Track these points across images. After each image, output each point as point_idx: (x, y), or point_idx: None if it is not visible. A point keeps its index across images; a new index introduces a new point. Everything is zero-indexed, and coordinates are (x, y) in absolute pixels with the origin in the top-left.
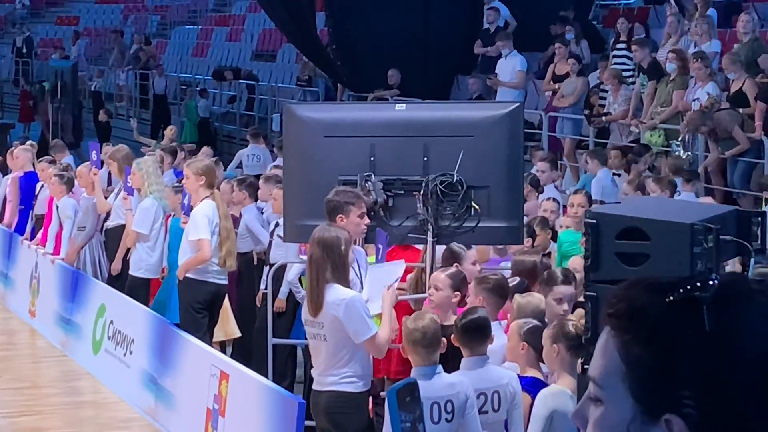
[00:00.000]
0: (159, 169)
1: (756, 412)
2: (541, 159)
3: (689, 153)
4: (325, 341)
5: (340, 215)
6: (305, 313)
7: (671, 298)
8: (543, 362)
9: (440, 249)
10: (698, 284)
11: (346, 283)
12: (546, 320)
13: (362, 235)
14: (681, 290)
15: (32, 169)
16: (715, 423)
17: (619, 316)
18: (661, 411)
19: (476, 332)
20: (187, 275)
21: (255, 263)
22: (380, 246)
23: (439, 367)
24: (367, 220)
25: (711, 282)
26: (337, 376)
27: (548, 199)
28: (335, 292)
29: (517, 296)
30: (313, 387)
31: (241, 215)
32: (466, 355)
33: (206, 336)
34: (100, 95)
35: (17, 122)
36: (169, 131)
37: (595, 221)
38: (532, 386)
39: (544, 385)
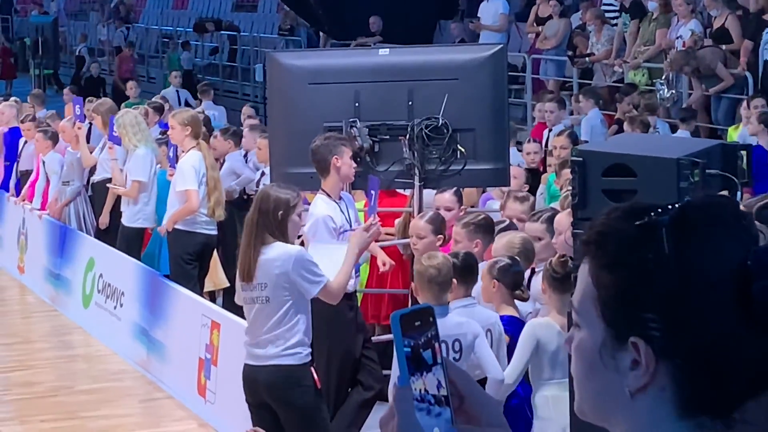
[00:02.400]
0: (143, 121)
1: (718, 335)
2: (549, 100)
3: (673, 91)
4: (267, 303)
5: (335, 156)
6: (238, 280)
7: (638, 222)
8: (517, 299)
9: (427, 193)
10: (660, 208)
11: (287, 242)
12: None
13: (351, 179)
14: (649, 214)
15: (16, 125)
16: (678, 346)
17: (590, 241)
18: (627, 334)
19: (464, 270)
20: (176, 226)
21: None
22: (372, 192)
23: (448, 308)
24: (354, 164)
25: (671, 206)
26: (279, 347)
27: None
28: (278, 248)
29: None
30: (247, 361)
31: (223, 162)
32: (422, 302)
33: (197, 287)
34: (83, 60)
35: None
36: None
37: (581, 159)
38: (509, 324)
39: (521, 322)
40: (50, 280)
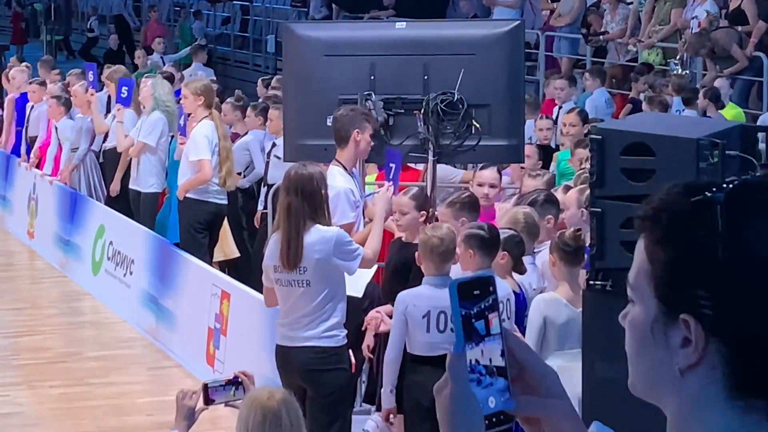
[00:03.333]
0: (163, 87)
1: None
2: (560, 77)
3: (687, 71)
4: (308, 287)
5: (357, 129)
6: (272, 262)
7: (694, 198)
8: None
9: (440, 168)
10: (718, 186)
11: (327, 221)
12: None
13: (365, 156)
14: (705, 191)
15: (26, 90)
16: (729, 324)
17: (647, 217)
18: (678, 311)
19: (487, 242)
20: (188, 195)
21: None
22: (392, 165)
23: (450, 278)
24: (373, 142)
25: (727, 184)
26: (318, 329)
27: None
28: (316, 232)
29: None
30: (281, 342)
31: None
32: (429, 272)
33: (207, 256)
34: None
35: (10, 44)
36: None
37: (600, 137)
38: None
39: (520, 295)
40: (60, 246)
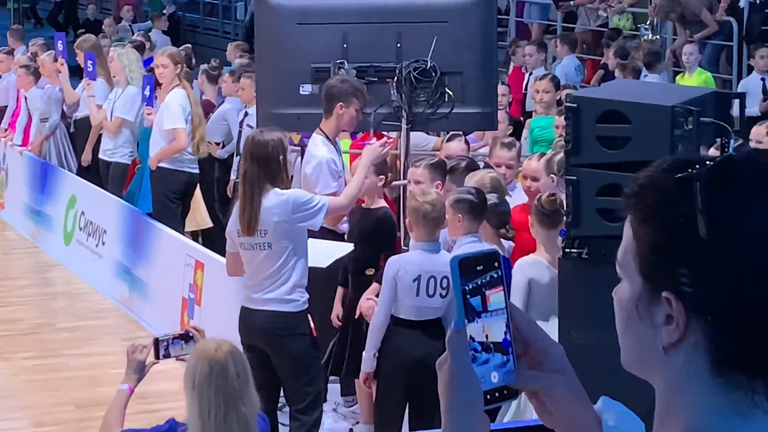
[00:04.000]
0: (139, 59)
1: (750, 293)
2: (528, 44)
3: (657, 36)
4: (269, 249)
5: (341, 103)
6: (235, 227)
7: (679, 175)
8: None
9: (413, 135)
10: (705, 161)
11: (286, 185)
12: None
13: (349, 130)
14: (692, 167)
15: None
16: (710, 302)
17: (632, 194)
18: (661, 288)
19: (476, 207)
20: (161, 165)
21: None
22: None
23: (440, 245)
24: (360, 116)
25: (710, 161)
26: (278, 292)
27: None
28: (274, 196)
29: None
30: (245, 304)
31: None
32: (419, 238)
33: (180, 225)
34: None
35: None
36: None
37: (575, 105)
38: None
39: (507, 260)
40: (31, 217)
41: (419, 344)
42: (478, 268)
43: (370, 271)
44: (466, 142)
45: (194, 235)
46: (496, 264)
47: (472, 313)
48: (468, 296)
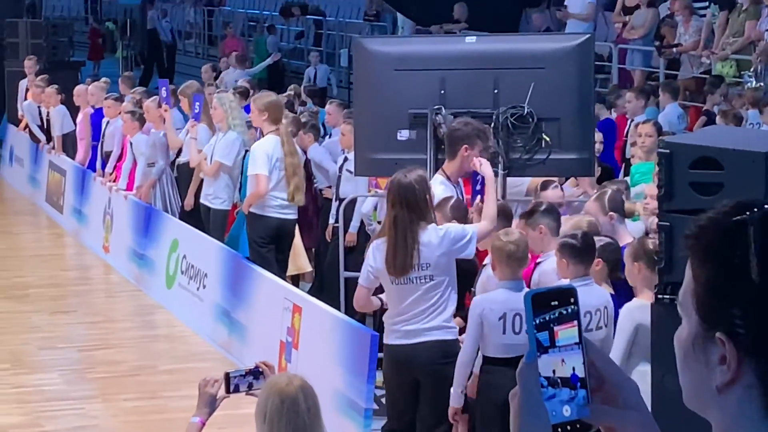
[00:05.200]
0: (240, 105)
1: None
2: (630, 90)
3: (761, 83)
4: (431, 281)
5: (466, 145)
6: (381, 266)
7: (736, 218)
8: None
9: (510, 180)
10: (759, 206)
11: (432, 221)
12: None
13: (471, 171)
14: (748, 211)
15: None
16: (761, 344)
17: (691, 235)
18: (715, 328)
19: (583, 250)
20: (251, 210)
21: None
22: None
23: (523, 283)
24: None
25: (764, 204)
26: (439, 320)
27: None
28: (431, 232)
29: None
30: (399, 341)
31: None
32: (504, 277)
33: (274, 269)
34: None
35: (87, 60)
36: None
37: (668, 151)
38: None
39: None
40: (134, 260)
41: (511, 380)
42: (552, 303)
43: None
44: (562, 189)
45: (294, 280)
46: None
47: (540, 348)
48: (536, 331)
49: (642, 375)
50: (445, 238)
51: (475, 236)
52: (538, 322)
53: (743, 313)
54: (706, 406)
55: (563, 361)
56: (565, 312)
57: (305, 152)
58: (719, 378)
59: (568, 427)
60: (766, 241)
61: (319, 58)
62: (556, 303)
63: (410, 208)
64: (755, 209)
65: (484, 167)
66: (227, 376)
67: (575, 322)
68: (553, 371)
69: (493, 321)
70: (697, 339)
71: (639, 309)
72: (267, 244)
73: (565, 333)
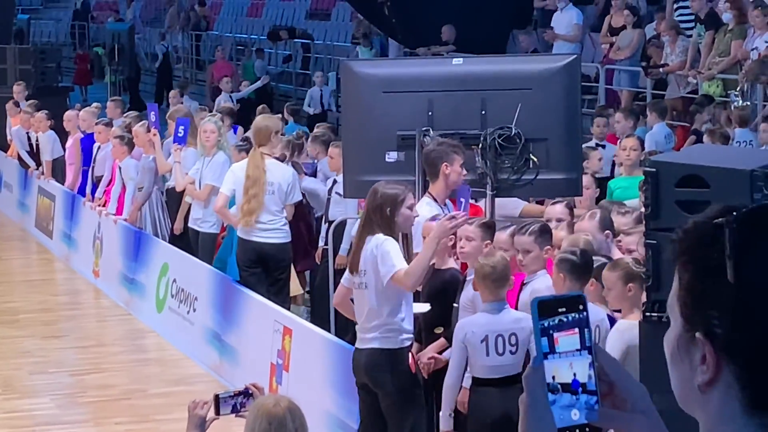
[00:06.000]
0: (223, 127)
1: None
2: (607, 115)
3: (748, 102)
4: (366, 289)
5: (445, 163)
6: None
7: (716, 221)
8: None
9: (503, 200)
10: (734, 210)
11: (393, 235)
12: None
13: (458, 186)
14: (729, 214)
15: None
16: (739, 345)
17: (676, 238)
18: (695, 329)
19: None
20: (238, 234)
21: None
22: (462, 200)
23: (506, 304)
24: (465, 172)
25: (744, 208)
26: (378, 330)
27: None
28: (375, 240)
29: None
30: (356, 345)
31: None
32: (484, 299)
33: (264, 293)
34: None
35: (74, 84)
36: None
37: (654, 169)
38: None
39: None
40: (125, 284)
41: (499, 401)
42: (560, 309)
43: (438, 330)
44: (569, 206)
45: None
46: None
47: (540, 354)
48: (553, 330)
49: None
50: (376, 245)
51: (393, 270)
52: (540, 328)
53: (720, 314)
54: (692, 406)
55: (561, 367)
56: (565, 319)
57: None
58: (700, 378)
59: (577, 431)
60: (743, 242)
61: (325, 81)
62: (564, 309)
63: (371, 210)
64: (734, 213)
65: (436, 225)
66: (216, 398)
67: (576, 330)
68: (553, 377)
69: (476, 344)
70: (681, 340)
71: (629, 330)
72: (249, 268)
73: (565, 340)
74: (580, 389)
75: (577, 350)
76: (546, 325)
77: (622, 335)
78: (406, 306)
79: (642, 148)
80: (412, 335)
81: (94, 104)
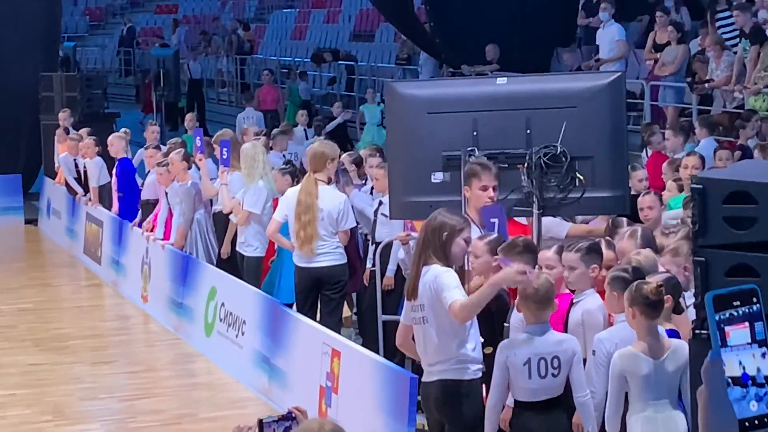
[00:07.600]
0: (265, 153)
1: None
2: (668, 127)
3: None
4: (426, 324)
5: (466, 186)
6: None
7: None
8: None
9: (549, 220)
10: None
11: (448, 264)
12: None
13: (480, 205)
14: None
15: (124, 155)
16: None
17: None
18: None
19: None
20: (294, 261)
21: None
22: (494, 221)
23: (549, 326)
24: (491, 192)
25: None
26: (446, 363)
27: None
28: (433, 270)
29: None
30: (423, 379)
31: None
32: (528, 321)
33: (316, 315)
34: (199, 83)
35: (142, 112)
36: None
37: (701, 186)
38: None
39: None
40: (173, 309)
41: (541, 423)
42: (734, 303)
43: (488, 350)
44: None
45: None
46: (755, 299)
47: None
48: (725, 324)
49: (646, 420)
50: (434, 278)
51: (450, 300)
52: (715, 322)
53: None
54: None
55: (731, 360)
56: (736, 314)
57: None
58: None
59: (756, 422)
60: None
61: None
62: (738, 303)
63: (428, 235)
64: None
65: (504, 272)
66: (260, 423)
67: (746, 323)
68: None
69: (519, 366)
70: None
71: (623, 358)
72: (300, 293)
73: (737, 333)
74: (750, 382)
75: (748, 343)
76: (718, 319)
77: (614, 363)
78: (474, 333)
79: (703, 166)
80: (482, 365)
81: (123, 129)
